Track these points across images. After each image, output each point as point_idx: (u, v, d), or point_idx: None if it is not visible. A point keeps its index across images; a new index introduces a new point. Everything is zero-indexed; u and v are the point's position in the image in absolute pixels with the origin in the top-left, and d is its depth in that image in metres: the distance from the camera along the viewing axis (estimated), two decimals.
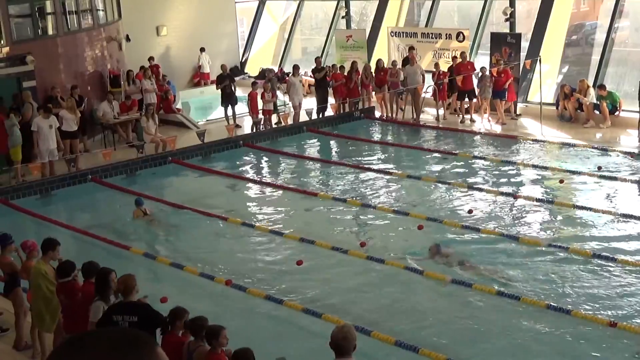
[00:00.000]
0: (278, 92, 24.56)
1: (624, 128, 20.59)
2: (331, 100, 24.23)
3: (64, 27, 22.40)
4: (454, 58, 23.39)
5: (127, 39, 26.55)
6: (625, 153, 18.76)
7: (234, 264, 13.69)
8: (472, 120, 22.90)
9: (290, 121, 22.85)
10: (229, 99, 23.70)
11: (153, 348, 2.50)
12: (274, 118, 22.96)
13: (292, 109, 23.48)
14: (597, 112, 21.30)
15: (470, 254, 13.42)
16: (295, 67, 23.94)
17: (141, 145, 20.37)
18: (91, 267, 9.52)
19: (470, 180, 17.53)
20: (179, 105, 25.59)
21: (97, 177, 18.81)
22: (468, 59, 23.57)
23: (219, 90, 23.82)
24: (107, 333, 2.56)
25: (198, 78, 29.83)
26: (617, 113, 21.09)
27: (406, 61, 23.79)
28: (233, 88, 24.20)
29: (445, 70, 23.29)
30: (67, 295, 9.55)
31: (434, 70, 23.41)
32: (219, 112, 24.95)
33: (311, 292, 12.34)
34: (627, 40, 24.29)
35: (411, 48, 24.10)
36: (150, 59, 26.74)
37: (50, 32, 22.30)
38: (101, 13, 24.42)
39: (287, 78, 24.78)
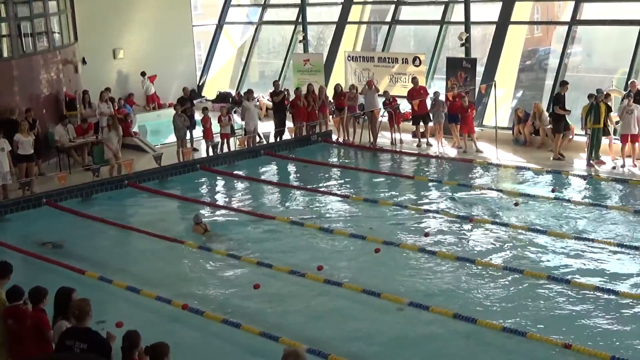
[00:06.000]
0: (235, 116, 24.54)
1: (577, 151, 20.92)
2: (289, 123, 24.29)
3: (19, 50, 22.20)
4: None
5: (84, 61, 26.38)
6: (578, 176, 19.14)
7: (191, 287, 13.61)
8: (428, 144, 23.09)
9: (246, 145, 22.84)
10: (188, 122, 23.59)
11: None
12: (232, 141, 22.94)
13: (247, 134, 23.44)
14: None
15: (418, 274, 13.54)
16: (249, 92, 23.85)
17: (97, 169, 20.21)
18: (39, 292, 9.35)
19: (427, 203, 17.65)
20: (135, 129, 25.45)
21: (52, 201, 18.62)
22: (424, 84, 23.86)
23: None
24: (69, 357, 2.57)
25: (151, 101, 29.66)
26: (571, 137, 21.41)
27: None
28: (193, 111, 24.16)
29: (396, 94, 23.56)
30: (15, 320, 9.34)
31: (385, 96, 23.66)
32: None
33: (269, 315, 12.31)
34: (580, 66, 24.73)
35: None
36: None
37: (5, 54, 22.08)
38: (57, 36, 24.24)
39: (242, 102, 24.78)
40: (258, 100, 27.36)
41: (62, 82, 23.85)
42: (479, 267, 13.71)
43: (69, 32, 25.05)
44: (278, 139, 23.72)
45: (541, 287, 12.82)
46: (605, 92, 20.34)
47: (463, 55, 23.93)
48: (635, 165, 19.56)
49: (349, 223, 16.72)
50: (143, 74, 29.29)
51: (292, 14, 30.69)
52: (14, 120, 20.33)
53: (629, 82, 20.79)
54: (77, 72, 25.12)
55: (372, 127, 23.48)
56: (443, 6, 26.08)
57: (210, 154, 22.27)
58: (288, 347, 7.41)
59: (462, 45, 23.85)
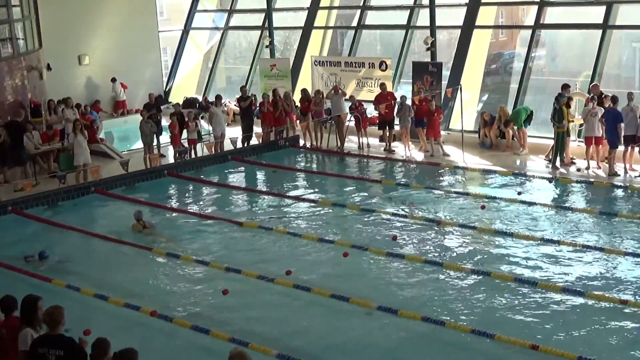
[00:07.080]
0: (202, 121, 24.50)
1: (541, 154, 21.12)
2: (256, 129, 24.29)
3: None
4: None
5: (49, 68, 26.17)
6: (543, 178, 19.32)
7: (159, 294, 13.56)
8: (392, 150, 23.12)
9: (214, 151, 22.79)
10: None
11: None
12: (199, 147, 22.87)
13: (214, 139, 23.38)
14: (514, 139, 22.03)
15: (387, 278, 13.59)
16: (218, 98, 23.86)
17: (63, 176, 20.05)
18: (12, 301, 9.26)
19: (394, 207, 17.72)
20: (102, 135, 25.31)
21: (18, 209, 18.45)
22: (390, 88, 23.99)
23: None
24: None
25: (120, 107, 29.57)
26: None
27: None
28: (159, 117, 24.09)
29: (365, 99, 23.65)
30: None
31: (350, 101, 23.74)
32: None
33: (238, 321, 12.29)
34: (544, 69, 24.98)
35: None
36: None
37: None
38: (21, 42, 24.04)
39: (209, 108, 24.74)
40: (225, 106, 27.35)
41: (27, 89, 23.66)
42: (447, 270, 13.80)
43: (33, 38, 24.88)
44: (245, 145, 23.70)
45: (508, 289, 12.92)
46: (593, 95, 20.41)
47: (429, 60, 24.06)
48: (599, 167, 19.78)
49: (317, 227, 16.75)
50: (113, 79, 29.17)
51: (258, 19, 30.71)
52: (19, 123, 20.45)
53: (591, 85, 21.01)
54: (42, 78, 24.93)
55: (339, 131, 23.54)
56: (409, 11, 26.23)
57: (178, 159, 22.20)
58: (234, 348, 7.43)
59: (427, 49, 23.98)
